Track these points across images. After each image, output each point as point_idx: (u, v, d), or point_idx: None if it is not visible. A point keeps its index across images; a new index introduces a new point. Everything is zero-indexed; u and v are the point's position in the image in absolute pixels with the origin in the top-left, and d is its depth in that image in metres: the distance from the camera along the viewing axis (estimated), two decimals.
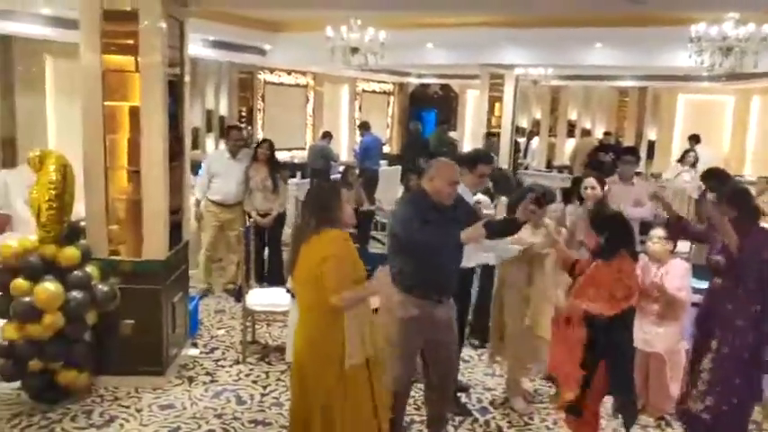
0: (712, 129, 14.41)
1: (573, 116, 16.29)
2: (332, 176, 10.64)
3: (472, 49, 9.50)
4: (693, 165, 10.61)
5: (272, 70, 13.10)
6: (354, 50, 7.34)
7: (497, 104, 10.93)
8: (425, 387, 3.82)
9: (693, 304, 4.33)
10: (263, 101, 13.02)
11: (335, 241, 2.99)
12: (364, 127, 12.03)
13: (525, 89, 13.17)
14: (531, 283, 4.30)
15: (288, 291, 4.81)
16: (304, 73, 13.95)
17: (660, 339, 4.18)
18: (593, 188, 4.63)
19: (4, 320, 4.02)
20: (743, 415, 3.80)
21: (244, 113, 12.52)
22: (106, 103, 4.19)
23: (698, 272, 4.52)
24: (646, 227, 6.17)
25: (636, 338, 3.81)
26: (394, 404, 3.59)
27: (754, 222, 3.90)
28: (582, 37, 7.90)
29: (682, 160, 11.24)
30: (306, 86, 14.23)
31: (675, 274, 4.32)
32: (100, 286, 4.11)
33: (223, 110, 11.85)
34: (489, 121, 10.69)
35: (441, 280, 3.53)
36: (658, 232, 4.50)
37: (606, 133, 13.99)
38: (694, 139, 12.02)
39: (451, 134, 13.58)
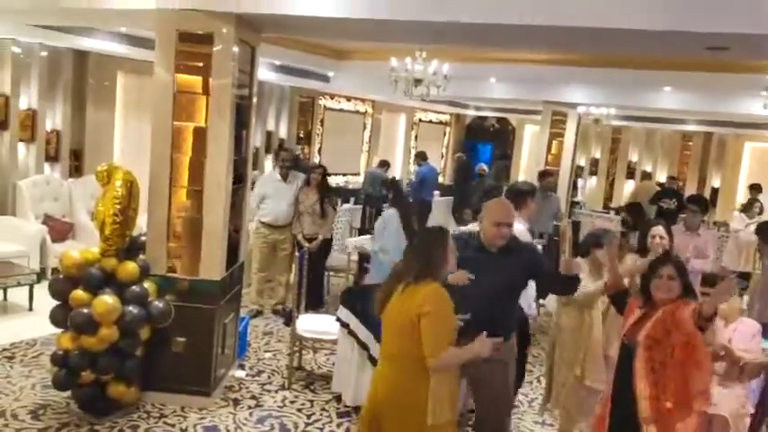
0: None
1: (634, 157, 15.95)
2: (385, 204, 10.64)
3: (535, 84, 9.40)
4: (759, 214, 10.25)
5: (332, 96, 13.26)
6: (417, 82, 7.35)
7: (555, 141, 10.79)
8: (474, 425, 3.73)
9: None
10: (321, 125, 13.18)
11: (434, 297, 2.82)
12: (421, 157, 12.01)
13: (585, 127, 12.97)
14: (588, 331, 4.15)
15: (338, 320, 4.77)
16: (363, 100, 14.08)
17: (725, 401, 3.97)
18: (661, 237, 4.46)
19: (61, 330, 4.09)
20: None
21: (302, 136, 12.70)
22: (176, 123, 4.27)
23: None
24: (708, 280, 5.96)
25: None
26: None
27: None
28: (650, 79, 7.72)
29: (746, 210, 10.86)
30: (364, 113, 14.35)
31: (744, 333, 4.13)
32: (156, 302, 4.15)
33: (282, 132, 12.03)
34: (547, 158, 10.54)
35: (478, 322, 3.23)
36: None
37: (671, 177, 13.62)
38: (757, 188, 11.61)
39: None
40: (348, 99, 13.72)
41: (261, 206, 6.45)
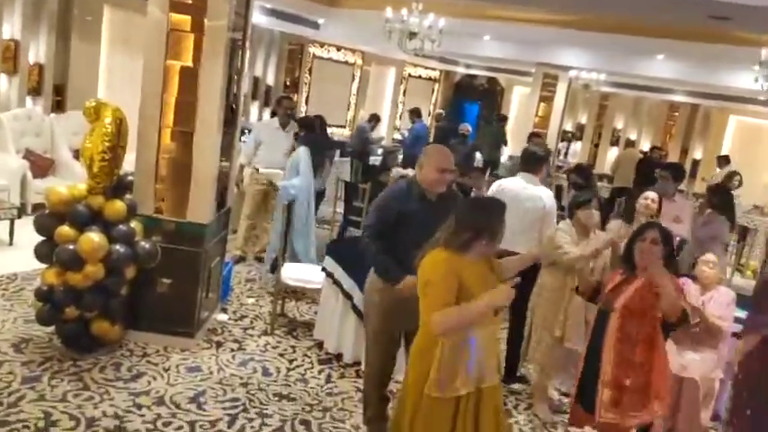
0: (760, 153, 14.09)
1: (619, 125, 16.01)
2: (371, 159, 10.62)
3: (529, 45, 9.34)
4: (738, 187, 10.42)
5: (321, 44, 13.06)
6: (412, 35, 7.26)
7: (544, 104, 10.77)
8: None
9: (734, 334, 4.24)
10: (309, 74, 13.01)
11: (430, 264, 2.66)
12: (416, 113, 11.85)
13: (573, 92, 12.96)
14: (570, 294, 4.22)
15: (323, 269, 4.80)
16: (353, 51, 13.89)
17: (696, 366, 4.10)
18: (653, 201, 4.52)
19: (46, 265, 4.07)
20: None
21: (289, 84, 12.53)
22: (168, 62, 4.18)
23: (742, 302, 4.41)
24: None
25: (672, 363, 3.73)
26: (365, 391, 3.64)
27: None
28: (644, 47, 7.70)
29: (726, 183, 11.01)
30: (353, 65, 14.18)
31: (720, 301, 4.24)
32: (142, 243, 4.14)
33: (270, 79, 11.86)
34: (535, 120, 10.57)
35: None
36: (711, 257, 4.41)
37: (655, 147, 13.73)
38: (725, 160, 11.83)
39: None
40: (338, 48, 13.53)
41: (257, 153, 6.39)
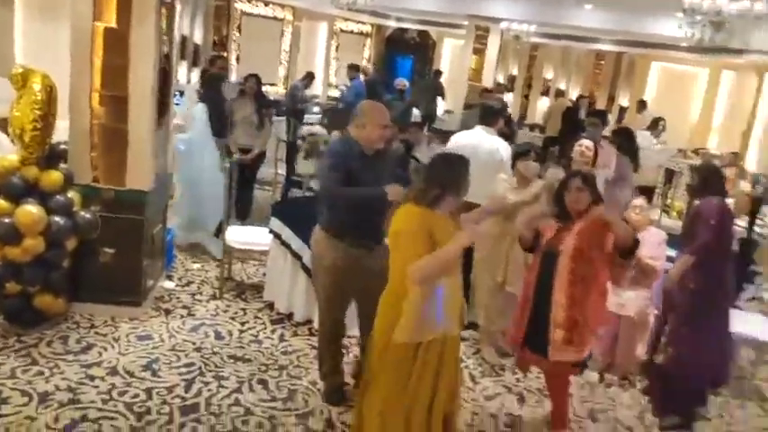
0: (682, 99, 14.65)
1: (549, 75, 16.32)
2: (306, 117, 10.50)
3: None
4: (663, 131, 10.86)
5: (249, 0, 12.69)
6: None
7: (476, 57, 10.85)
8: (360, 333, 3.74)
9: (666, 272, 4.50)
10: (238, 31, 12.65)
11: (403, 216, 2.76)
12: (355, 69, 11.65)
13: (504, 44, 13.10)
14: (512, 241, 4.36)
15: (270, 231, 4.80)
16: (282, 6, 13.56)
17: (632, 303, 4.34)
18: (587, 148, 4.68)
19: None
20: (698, 367, 3.90)
21: (217, 42, 12.17)
22: (96, 24, 4.01)
23: (673, 241, 4.66)
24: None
25: (610, 302, 3.92)
26: (319, 348, 3.69)
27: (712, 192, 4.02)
28: None
29: (651, 129, 11.46)
30: (283, 20, 13.85)
31: (651, 242, 4.46)
32: (82, 213, 4.03)
33: (197, 38, 11.48)
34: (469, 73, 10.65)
35: (368, 228, 3.37)
36: (640, 201, 4.63)
37: (581, 96, 14.10)
38: (642, 104, 12.33)
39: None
40: (266, 4, 13.18)
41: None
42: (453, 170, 2.82)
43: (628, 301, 4.35)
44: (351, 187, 3.35)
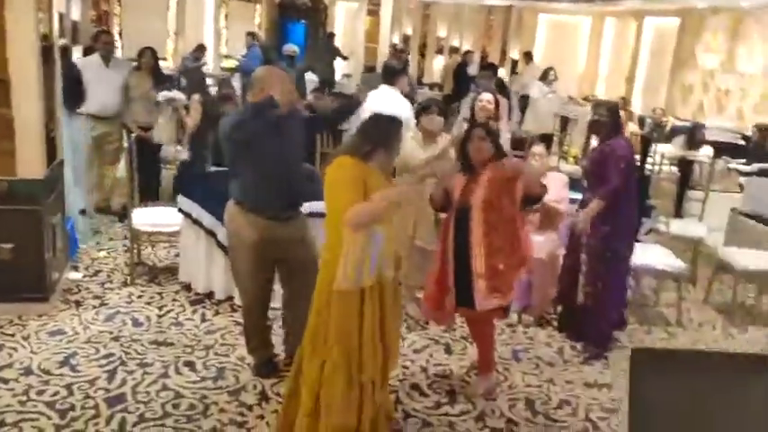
0: (569, 49, 15.23)
1: (442, 33, 16.49)
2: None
3: None
4: (555, 80, 11.29)
5: None
6: None
7: (371, 19, 10.80)
8: (282, 305, 3.75)
9: (570, 214, 4.72)
10: (119, 5, 11.96)
11: (336, 166, 2.84)
12: (254, 37, 11.21)
13: (398, 4, 13.09)
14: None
15: (179, 210, 4.64)
16: None
17: (542, 246, 4.53)
18: (488, 102, 4.79)
19: None
20: (613, 300, 4.22)
21: (95, 18, 11.47)
22: None
23: (574, 184, 4.90)
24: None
25: None
26: (245, 324, 3.66)
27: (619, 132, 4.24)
28: None
29: (543, 79, 11.88)
30: None
31: (554, 186, 4.64)
32: None
33: (75, 14, 10.75)
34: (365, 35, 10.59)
35: (282, 198, 3.38)
36: (539, 149, 4.80)
37: (468, 51, 14.37)
38: (528, 56, 12.81)
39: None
40: None
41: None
42: (384, 128, 2.97)
43: (537, 244, 4.51)
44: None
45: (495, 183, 3.45)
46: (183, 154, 6.02)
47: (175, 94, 5.53)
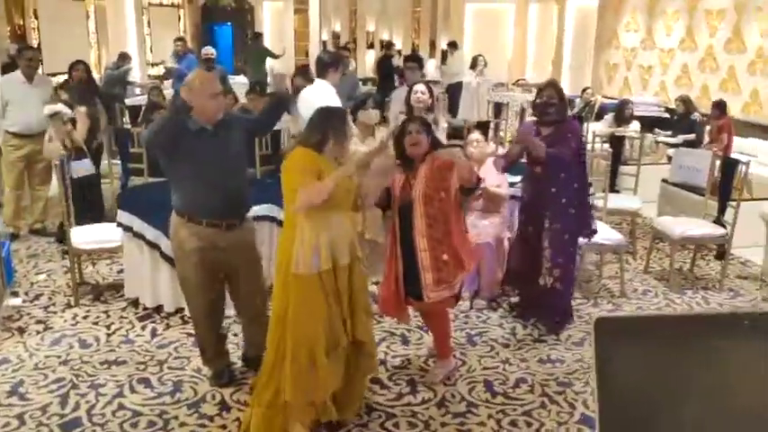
0: (497, 36, 15.51)
1: (371, 27, 16.53)
2: (130, 100, 9.88)
3: None
4: (485, 67, 11.54)
5: None
6: None
7: (299, 17, 10.74)
8: (236, 313, 3.74)
9: (511, 197, 4.83)
10: (35, 17, 11.50)
11: (292, 156, 3.03)
12: (185, 43, 10.91)
13: (324, 1, 13.06)
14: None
15: (119, 225, 4.52)
16: None
17: (488, 231, 4.63)
18: (422, 93, 4.83)
19: None
20: (573, 275, 4.43)
21: (11, 33, 10.99)
22: None
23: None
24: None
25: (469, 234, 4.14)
26: (198, 335, 3.63)
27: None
28: None
29: (473, 67, 12.08)
30: (85, 0, 12.77)
31: (493, 171, 4.75)
32: None
33: None
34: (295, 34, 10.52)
35: (225, 206, 3.31)
36: (477, 136, 4.89)
37: (390, 43, 14.51)
38: (453, 45, 13.07)
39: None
40: None
41: (6, 115, 5.61)
42: (328, 121, 3.08)
43: (483, 229, 4.63)
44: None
45: (432, 176, 3.49)
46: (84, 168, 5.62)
47: (60, 107, 5.33)
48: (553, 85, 4.42)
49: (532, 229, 4.28)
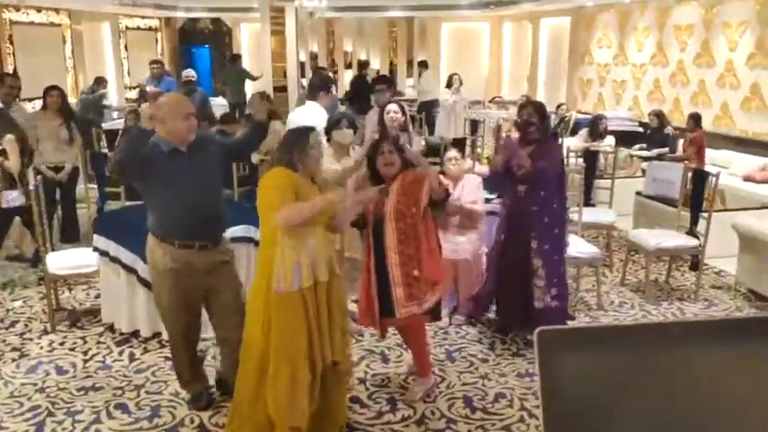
0: (473, 55, 15.71)
1: (348, 48, 16.66)
2: (108, 124, 9.87)
3: None
4: (461, 85, 11.64)
5: (17, 8, 11.51)
6: None
7: (276, 38, 10.80)
8: (215, 335, 3.66)
9: (489, 213, 4.88)
10: (11, 43, 11.46)
11: (268, 175, 3.09)
12: (163, 66, 10.85)
13: (302, 22, 13.14)
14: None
15: (95, 249, 4.50)
16: (57, 10, 12.46)
17: (465, 247, 4.66)
18: (395, 112, 4.89)
19: None
20: (567, 290, 4.43)
21: None
22: None
23: (486, 184, 5.05)
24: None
25: (445, 249, 4.14)
26: (174, 358, 3.60)
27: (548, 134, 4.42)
28: None
29: (449, 86, 12.21)
30: (61, 26, 12.75)
31: (470, 187, 4.81)
32: None
33: None
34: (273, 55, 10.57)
35: (199, 227, 3.29)
36: (454, 154, 4.95)
37: (365, 64, 14.64)
38: (423, 64, 13.24)
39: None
40: (38, 10, 12.04)
41: None
42: (295, 139, 3.15)
43: (460, 245, 4.66)
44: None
45: (404, 191, 3.53)
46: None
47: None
48: (533, 104, 4.47)
49: (516, 248, 4.21)
